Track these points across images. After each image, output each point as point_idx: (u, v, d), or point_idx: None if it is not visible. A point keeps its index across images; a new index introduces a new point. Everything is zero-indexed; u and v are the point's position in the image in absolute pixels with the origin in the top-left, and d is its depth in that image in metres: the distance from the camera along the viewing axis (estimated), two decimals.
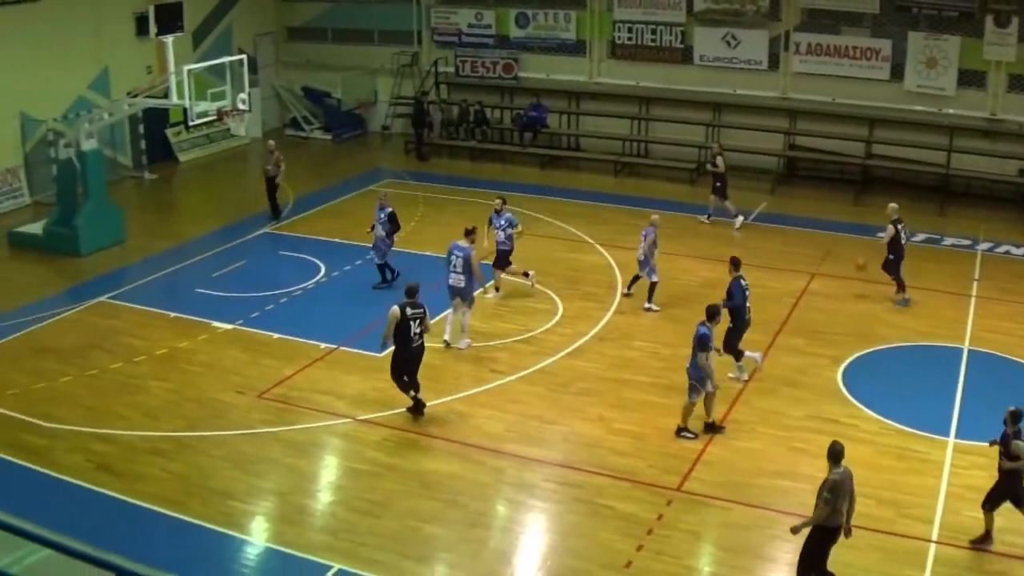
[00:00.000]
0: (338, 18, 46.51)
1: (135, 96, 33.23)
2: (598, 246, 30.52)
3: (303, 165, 41.64)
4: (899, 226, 26.72)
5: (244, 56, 31.82)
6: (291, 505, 18.49)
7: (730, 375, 22.69)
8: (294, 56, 47.53)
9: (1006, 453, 16.38)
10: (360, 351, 24.11)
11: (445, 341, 24.43)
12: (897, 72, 36.31)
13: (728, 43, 38.38)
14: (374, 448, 20.18)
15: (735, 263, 23.41)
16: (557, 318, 25.88)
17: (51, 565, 9.62)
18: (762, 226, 32.51)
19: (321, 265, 29.19)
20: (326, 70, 45.85)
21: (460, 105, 42.79)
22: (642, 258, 26.61)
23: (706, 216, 33.35)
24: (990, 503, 16.78)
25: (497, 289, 27.52)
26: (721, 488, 18.51)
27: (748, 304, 22.77)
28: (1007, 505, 16.63)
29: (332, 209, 34.09)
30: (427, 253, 30.04)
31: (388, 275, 27.83)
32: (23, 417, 21.43)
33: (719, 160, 33.07)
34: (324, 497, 18.93)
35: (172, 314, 26.27)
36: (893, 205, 27.58)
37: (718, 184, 33.07)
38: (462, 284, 24.32)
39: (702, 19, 38.74)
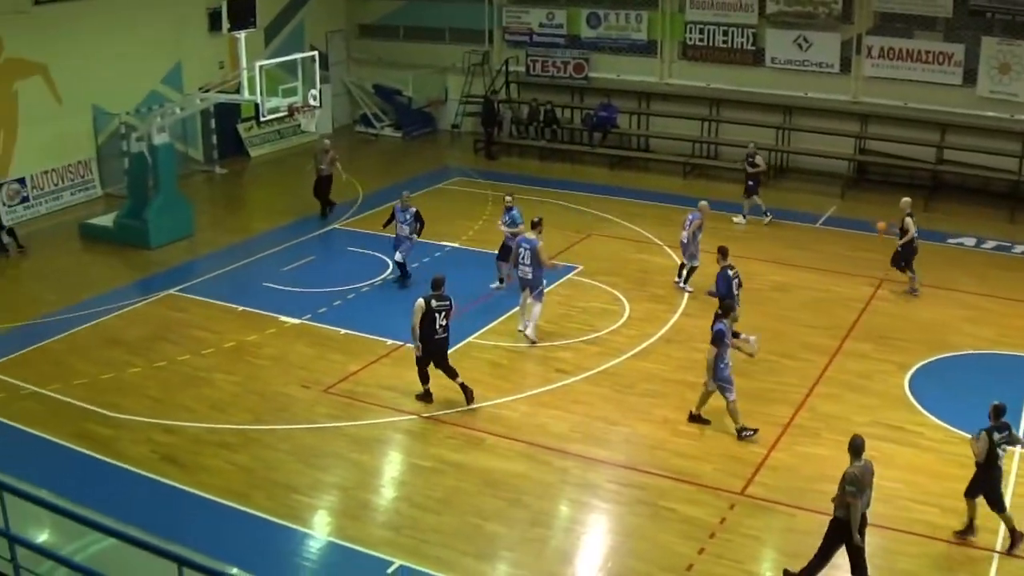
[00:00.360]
0: (410, 16, 46.56)
1: (207, 91, 33.48)
2: (666, 248, 30.33)
3: (372, 162, 41.81)
4: (910, 219, 27.09)
5: (316, 53, 31.97)
6: (354, 500, 18.52)
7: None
8: (365, 53, 47.65)
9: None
10: None
11: (519, 330, 24.83)
12: (970, 77, 35.84)
13: (800, 46, 38.07)
14: (438, 445, 20.16)
15: (722, 252, 24.14)
16: (624, 319, 25.76)
17: (114, 554, 9.68)
18: (831, 230, 32.21)
19: (389, 262, 29.19)
20: (397, 68, 45.92)
21: (530, 104, 42.72)
22: (684, 242, 27.36)
23: (766, 217, 33.23)
24: (971, 493, 16.96)
25: (501, 281, 27.75)
26: (784, 493, 18.33)
27: (737, 293, 23.28)
28: None
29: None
30: (494, 252, 29.96)
31: (406, 273, 28.07)
32: (90, 407, 21.62)
33: (758, 158, 33.19)
34: (387, 493, 18.94)
35: (240, 308, 26.40)
36: (907, 199, 27.85)
37: (751, 183, 33.11)
38: (530, 276, 24.54)
39: (774, 21, 38.46)
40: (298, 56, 31.27)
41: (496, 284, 27.77)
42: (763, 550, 17.23)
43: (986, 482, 16.76)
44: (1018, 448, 18.70)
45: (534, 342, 24.48)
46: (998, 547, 16.95)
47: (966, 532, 17.16)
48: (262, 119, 31.24)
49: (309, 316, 25.95)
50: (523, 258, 24.65)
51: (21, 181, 34.52)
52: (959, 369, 23.37)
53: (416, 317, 20.94)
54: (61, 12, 34.55)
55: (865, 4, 36.83)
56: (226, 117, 40.77)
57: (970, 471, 17.69)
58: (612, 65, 42.11)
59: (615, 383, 22.48)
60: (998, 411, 16.78)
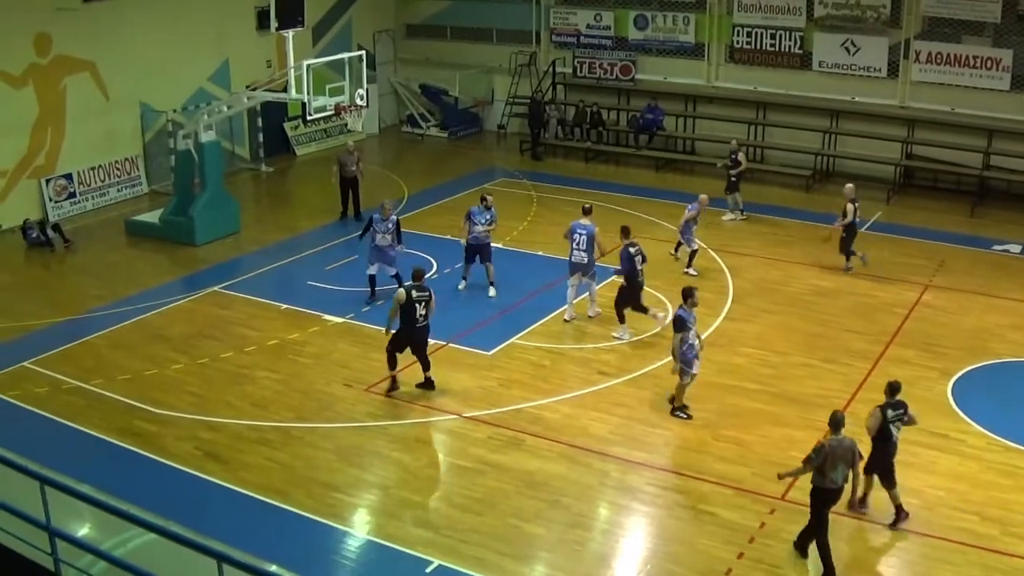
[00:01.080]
0: (457, 16, 46.61)
1: (254, 89, 33.59)
2: (710, 250, 30.22)
3: (418, 162, 41.91)
4: (855, 205, 28.68)
5: (363, 52, 31.97)
6: (394, 499, 18.53)
7: (613, 334, 24.67)
8: (412, 53, 47.75)
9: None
10: (469, 348, 24.15)
11: (566, 320, 25.55)
12: (1018, 83, 35.51)
13: (847, 50, 37.84)
14: (479, 445, 20.14)
15: (624, 231, 25.13)
16: (666, 322, 25.68)
17: (154, 549, 9.73)
18: (876, 235, 31.94)
19: (433, 262, 29.23)
20: (444, 68, 45.98)
21: (576, 106, 42.70)
22: (681, 227, 28.92)
23: (741, 213, 33.92)
24: (868, 470, 17.53)
25: (465, 279, 28.15)
26: None
27: (640, 268, 24.71)
28: None
29: (446, 206, 34.14)
30: (538, 253, 30.07)
31: (374, 291, 27.18)
32: (134, 402, 21.78)
33: (740, 156, 33.87)
34: (427, 492, 18.91)
35: (283, 306, 26.49)
36: (850, 186, 29.42)
37: (733, 179, 33.57)
38: (585, 260, 25.21)
39: (822, 25, 38.24)
40: (345, 55, 31.29)
41: (462, 285, 27.98)
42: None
43: (880, 458, 17.39)
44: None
45: (599, 312, 25.73)
46: None
47: (862, 504, 17.81)
48: (308, 118, 31.32)
49: (352, 315, 26.01)
50: (578, 243, 25.19)
51: (68, 177, 34.81)
52: (1003, 377, 23.16)
53: (395, 308, 21.49)
54: (109, 9, 34.80)
55: (913, 8, 36.57)
56: (273, 115, 40.99)
57: (1014, 478, 17.56)
58: (659, 67, 42.00)
59: (657, 386, 22.38)
60: (893, 388, 17.57)
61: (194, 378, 23.00)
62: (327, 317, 25.98)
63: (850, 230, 28.75)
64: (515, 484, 18.75)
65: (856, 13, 37.26)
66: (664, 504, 18.25)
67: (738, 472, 19.06)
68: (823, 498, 16.23)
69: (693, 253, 28.87)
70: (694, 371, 20.93)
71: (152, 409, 21.51)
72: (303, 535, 17.34)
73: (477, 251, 27.42)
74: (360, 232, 27.48)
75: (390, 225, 26.49)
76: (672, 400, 21.31)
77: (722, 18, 40.28)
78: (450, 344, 24.34)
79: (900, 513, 17.43)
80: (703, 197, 29.44)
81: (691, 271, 28.59)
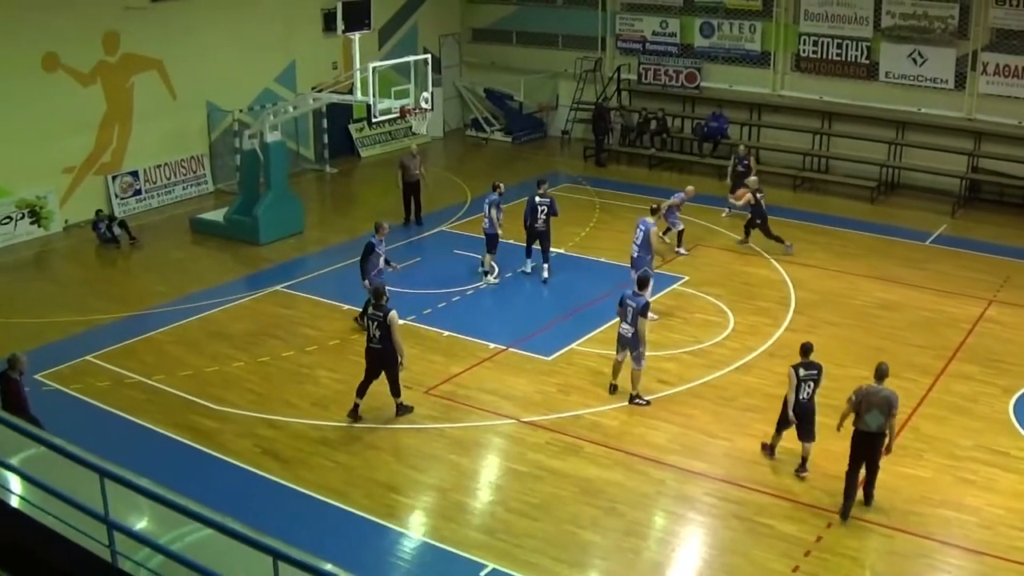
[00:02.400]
0: (523, 21, 46.67)
1: (320, 91, 33.75)
2: (773, 260, 30.09)
3: (481, 166, 41.95)
4: (758, 195, 30.66)
5: (429, 56, 32.04)
6: (451, 502, 18.56)
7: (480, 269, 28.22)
8: (478, 57, 47.85)
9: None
10: (529, 353, 24.13)
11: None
12: None
13: (914, 60, 37.53)
14: (536, 450, 20.13)
15: (538, 183, 28.75)
16: (728, 331, 25.57)
17: (211, 544, 9.77)
18: (940, 248, 31.67)
19: (495, 265, 29.25)
20: (509, 72, 46.07)
21: (640, 113, 42.60)
22: (664, 212, 29.32)
23: (725, 212, 34.36)
24: (778, 427, 19.69)
25: (486, 273, 28.98)
26: (883, 514, 18.02)
27: (541, 217, 27.99)
28: None
29: (508, 211, 34.14)
30: (600, 259, 30.01)
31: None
32: (194, 399, 21.97)
33: (751, 161, 34.46)
34: (484, 496, 18.95)
35: (345, 306, 26.56)
36: (754, 178, 31.58)
37: (739, 182, 33.40)
38: (635, 255, 25.73)
39: (889, 35, 37.93)
40: (411, 58, 31.39)
41: (490, 276, 28.79)
42: (859, 571, 16.91)
43: (798, 416, 19.05)
44: None
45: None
46: None
47: (771, 451, 19.94)
48: (373, 120, 31.39)
49: (413, 317, 26.03)
50: (636, 238, 25.79)
51: (134, 174, 35.13)
52: None
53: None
54: (177, 9, 35.13)
55: (981, 20, 36.18)
56: (338, 117, 41.19)
57: None
58: (724, 75, 41.85)
59: (716, 396, 22.31)
60: (805, 350, 19.07)
61: (255, 376, 23.15)
62: None
63: (760, 215, 30.80)
64: (572, 490, 18.72)
65: (924, 24, 36.93)
66: (720, 515, 18.16)
67: (796, 485, 18.94)
68: (856, 440, 17.80)
69: (680, 233, 30.32)
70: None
71: (212, 406, 21.68)
72: (359, 535, 17.42)
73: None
74: (360, 257, 25.37)
75: (384, 244, 25.63)
76: (636, 392, 22.10)
77: (788, 27, 40.06)
78: (510, 349, 24.34)
79: (804, 464, 19.31)
80: (689, 188, 30.71)
81: (681, 250, 30.33)
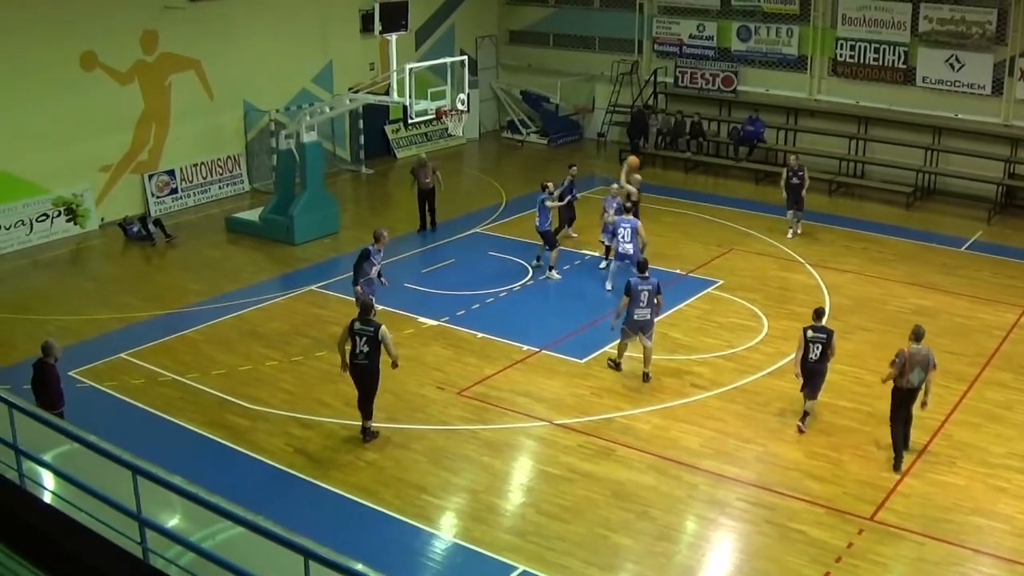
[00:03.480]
0: (560, 23, 46.71)
1: (356, 91, 33.81)
2: (808, 265, 29.99)
3: (517, 168, 42.00)
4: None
5: (465, 57, 32.05)
6: (482, 503, 18.55)
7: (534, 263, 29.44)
8: (514, 59, 47.88)
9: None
10: (562, 356, 24.11)
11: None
12: None
13: (952, 66, 37.34)
14: (569, 453, 20.10)
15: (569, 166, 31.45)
16: (762, 336, 25.49)
17: (243, 542, 9.80)
18: (976, 255, 31.50)
19: (529, 268, 29.26)
20: (545, 74, 46.11)
21: (675, 116, 42.50)
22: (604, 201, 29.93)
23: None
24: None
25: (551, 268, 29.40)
26: (916, 521, 17.94)
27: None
28: None
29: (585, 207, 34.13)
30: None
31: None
32: (228, 397, 22.05)
33: (806, 172, 32.77)
34: (515, 498, 18.93)
35: (379, 307, 26.54)
36: (615, 186, 31.24)
37: (800, 196, 32.64)
38: (631, 251, 27.03)
39: (926, 40, 37.76)
40: (448, 60, 31.44)
41: (554, 272, 29.28)
42: None
43: (804, 375, 20.82)
44: None
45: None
46: None
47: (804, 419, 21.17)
48: (410, 121, 31.38)
49: (447, 318, 26.08)
50: (624, 236, 27.27)
51: (171, 173, 35.32)
52: None
53: (340, 339, 20.46)
54: (215, 9, 35.30)
55: (1019, 26, 35.94)
56: (374, 118, 41.29)
57: None
58: (761, 79, 41.77)
59: (750, 400, 22.24)
60: (818, 313, 21.06)
61: (288, 375, 23.21)
62: (422, 320, 26.08)
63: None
64: (604, 494, 18.69)
65: (961, 29, 36.74)
66: (752, 520, 18.09)
67: (829, 491, 18.85)
68: (898, 395, 19.71)
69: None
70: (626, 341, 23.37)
71: (245, 404, 21.75)
72: (390, 535, 17.44)
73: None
74: (355, 262, 25.18)
75: (382, 256, 25.28)
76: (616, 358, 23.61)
77: (825, 31, 39.94)
78: (543, 351, 24.33)
79: (804, 419, 21.05)
80: (615, 187, 30.69)
81: (571, 232, 31.40)
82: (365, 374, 20.25)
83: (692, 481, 19.23)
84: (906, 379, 19.35)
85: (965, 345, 24.92)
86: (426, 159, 33.45)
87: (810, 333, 20.48)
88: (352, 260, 25.06)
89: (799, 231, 32.82)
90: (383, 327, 20.09)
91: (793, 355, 21.10)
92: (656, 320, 23.43)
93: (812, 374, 20.68)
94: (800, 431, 20.77)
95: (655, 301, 22.95)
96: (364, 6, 37.30)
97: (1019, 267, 30.34)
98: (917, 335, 19.49)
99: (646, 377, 23.10)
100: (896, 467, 19.35)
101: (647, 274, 22.98)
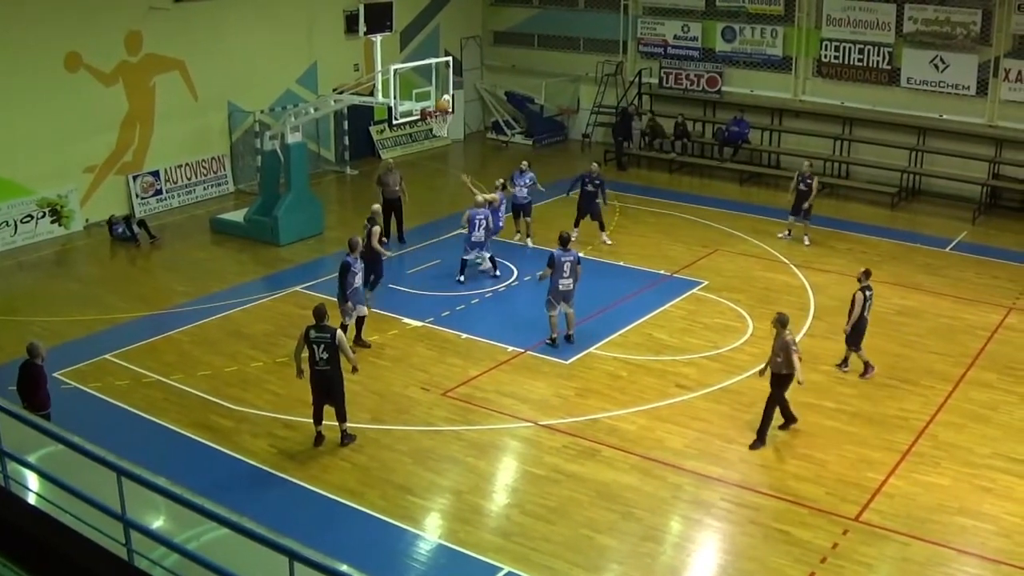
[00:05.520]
0: (544, 24, 46.72)
1: (341, 92, 33.78)
2: (792, 266, 30.06)
3: (502, 169, 41.76)
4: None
5: (450, 58, 32.07)
6: (467, 504, 18.57)
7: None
8: (499, 60, 47.87)
9: None
10: (546, 357, 24.13)
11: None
12: None
13: (936, 66, 37.40)
14: (554, 454, 20.12)
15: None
16: (747, 337, 25.53)
17: (227, 544, 9.79)
18: (960, 255, 31.58)
19: (514, 269, 29.29)
20: (530, 75, 46.13)
21: (653, 116, 42.54)
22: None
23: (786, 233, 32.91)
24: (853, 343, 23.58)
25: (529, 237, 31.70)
26: (900, 521, 17.99)
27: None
28: None
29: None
30: (619, 263, 30.02)
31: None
32: (212, 398, 22.07)
33: (815, 181, 32.12)
34: (500, 499, 18.95)
35: (365, 308, 26.52)
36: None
37: (806, 203, 31.98)
38: (483, 239, 28.74)
39: (911, 41, 37.81)
40: (432, 61, 31.45)
41: (518, 237, 31.75)
42: None
43: (858, 328, 23.20)
44: None
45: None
46: None
47: (866, 371, 23.52)
48: (394, 122, 31.34)
49: (432, 319, 26.10)
50: (478, 226, 28.52)
51: (155, 174, 35.27)
52: None
53: (295, 348, 20.43)
54: (199, 10, 35.25)
55: (1004, 26, 36.06)
56: (359, 119, 41.26)
57: None
58: (746, 80, 41.81)
59: (735, 401, 22.28)
60: (868, 274, 23.44)
61: (273, 376, 23.20)
62: (406, 321, 26.10)
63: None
64: (589, 494, 18.73)
65: (946, 30, 36.81)
66: (737, 520, 18.13)
67: (813, 491, 18.91)
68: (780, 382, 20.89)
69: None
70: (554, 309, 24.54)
71: (230, 405, 21.75)
72: (375, 536, 17.45)
73: (520, 209, 31.75)
74: (339, 276, 24.43)
75: (361, 266, 24.54)
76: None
77: (810, 32, 39.99)
78: (528, 352, 24.36)
79: (868, 367, 23.46)
80: (477, 198, 29.13)
81: (461, 278, 28.95)
82: (329, 380, 20.04)
83: (677, 482, 19.27)
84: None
85: (950, 346, 25.00)
86: (393, 164, 32.94)
87: (868, 292, 23.18)
88: (338, 261, 24.91)
89: (807, 241, 32.29)
90: (338, 332, 20.03)
91: (856, 313, 23.04)
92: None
93: (865, 326, 23.27)
94: (843, 372, 23.72)
95: (576, 271, 24.45)
96: (348, 7, 37.31)
97: (1003, 267, 30.43)
98: (783, 322, 20.64)
99: (570, 339, 24.90)
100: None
101: (568, 248, 24.53)
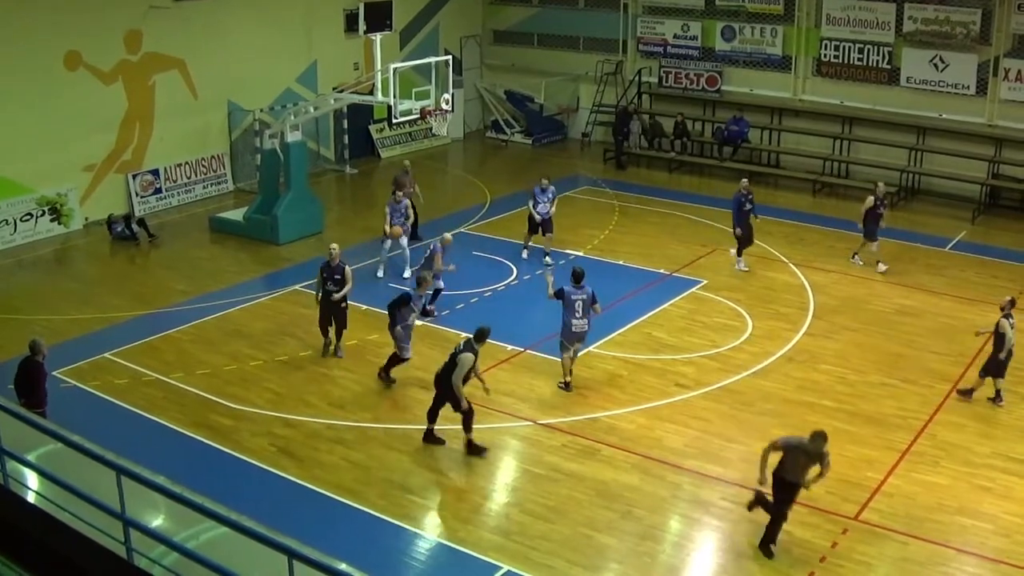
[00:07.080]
0: (544, 23, 46.72)
1: (341, 91, 33.76)
2: (791, 265, 30.05)
3: (501, 168, 41.99)
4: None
5: (450, 57, 32.03)
6: (466, 503, 18.58)
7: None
8: (499, 59, 47.85)
9: None
10: (546, 355, 24.05)
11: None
12: None
13: (936, 66, 37.40)
14: (553, 453, 20.12)
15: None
16: (746, 336, 25.52)
17: (226, 542, 9.79)
18: (960, 255, 31.59)
19: (513, 268, 29.29)
20: (530, 74, 46.12)
21: (654, 116, 42.55)
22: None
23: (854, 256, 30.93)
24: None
25: (547, 254, 30.32)
26: (899, 521, 17.98)
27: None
28: None
29: (528, 213, 34.18)
30: (618, 262, 30.01)
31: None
32: (212, 397, 22.04)
33: (888, 203, 30.82)
34: (500, 498, 18.95)
35: (364, 307, 26.47)
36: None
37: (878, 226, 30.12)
38: (441, 285, 26.64)
39: (911, 40, 37.81)
40: (432, 60, 31.41)
41: (525, 254, 30.58)
42: None
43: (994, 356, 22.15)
44: None
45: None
46: None
47: (996, 400, 22.35)
48: (394, 121, 31.29)
49: (431, 319, 26.05)
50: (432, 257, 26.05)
51: (155, 173, 35.25)
52: None
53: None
54: (200, 8, 35.24)
55: (1003, 26, 36.07)
56: (358, 118, 41.26)
57: None
58: (745, 79, 41.82)
59: (734, 400, 22.27)
60: (1013, 303, 22.35)
61: (273, 375, 23.20)
62: None
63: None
64: (588, 493, 18.71)
65: (946, 29, 36.82)
66: (737, 519, 18.10)
67: (812, 491, 18.82)
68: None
69: (437, 292, 26.70)
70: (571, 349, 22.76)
71: (230, 404, 21.73)
72: (374, 535, 17.44)
73: (541, 226, 30.19)
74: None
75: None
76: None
77: (810, 31, 40.00)
78: (528, 351, 24.34)
79: (999, 395, 22.31)
80: (447, 236, 26.87)
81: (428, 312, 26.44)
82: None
83: (676, 481, 19.27)
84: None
85: (949, 345, 24.98)
86: (409, 166, 32.72)
87: (1012, 320, 22.24)
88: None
89: (883, 267, 30.03)
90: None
91: (1006, 344, 21.93)
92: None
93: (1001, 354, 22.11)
94: (999, 406, 22.30)
95: (592, 311, 22.53)
96: (348, 6, 37.17)
97: (1003, 267, 30.41)
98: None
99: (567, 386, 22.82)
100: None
101: (582, 284, 22.47)
